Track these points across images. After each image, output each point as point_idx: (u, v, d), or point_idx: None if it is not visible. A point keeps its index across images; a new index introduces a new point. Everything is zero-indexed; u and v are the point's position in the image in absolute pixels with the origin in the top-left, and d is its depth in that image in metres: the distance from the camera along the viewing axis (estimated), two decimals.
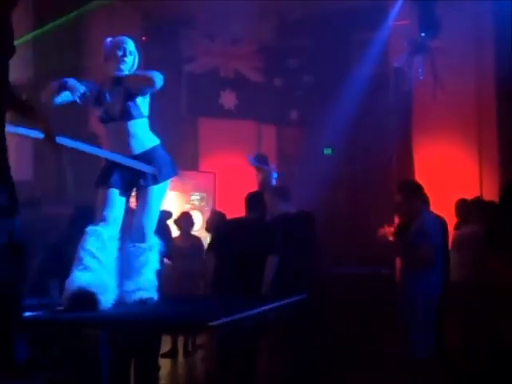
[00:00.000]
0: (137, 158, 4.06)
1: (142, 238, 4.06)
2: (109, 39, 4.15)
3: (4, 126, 2.66)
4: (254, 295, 4.72)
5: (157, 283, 4.08)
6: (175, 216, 7.68)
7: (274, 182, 8.40)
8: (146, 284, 4.01)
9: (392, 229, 6.08)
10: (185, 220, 7.52)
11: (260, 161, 8.48)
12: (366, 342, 6.51)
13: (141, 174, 4.05)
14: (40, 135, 3.36)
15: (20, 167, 7.39)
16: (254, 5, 9.48)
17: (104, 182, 4.01)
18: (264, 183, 8.04)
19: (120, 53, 4.08)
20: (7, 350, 2.46)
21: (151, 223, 4.11)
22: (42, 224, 5.82)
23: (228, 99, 10.83)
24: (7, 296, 2.48)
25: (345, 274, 7.62)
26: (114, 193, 3.98)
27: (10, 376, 2.43)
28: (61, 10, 8.20)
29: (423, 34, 9.33)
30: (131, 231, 4.06)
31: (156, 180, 4.08)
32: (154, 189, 4.09)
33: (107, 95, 4.01)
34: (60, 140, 3.31)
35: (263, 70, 11.05)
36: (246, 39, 11.06)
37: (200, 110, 10.89)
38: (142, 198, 4.09)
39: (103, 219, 3.89)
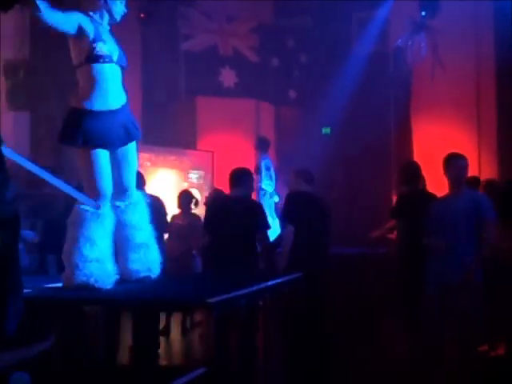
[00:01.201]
0: (124, 106, 3.87)
1: (129, 198, 3.97)
2: None
3: None
4: (245, 271, 4.76)
5: (156, 260, 4.06)
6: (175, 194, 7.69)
7: (263, 166, 8.57)
8: (145, 261, 3.99)
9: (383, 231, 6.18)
10: (185, 198, 7.50)
11: (259, 145, 8.66)
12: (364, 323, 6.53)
13: (121, 131, 3.85)
14: None
15: (17, 146, 7.38)
16: None
17: (87, 140, 3.69)
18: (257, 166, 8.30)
19: None
20: None
21: (134, 181, 4.01)
22: (41, 201, 5.81)
23: (228, 77, 10.77)
24: None
25: (342, 254, 7.63)
26: (103, 156, 3.77)
27: (1, 347, 2.44)
28: None
29: (423, 13, 9.28)
30: (117, 193, 3.90)
31: (134, 137, 3.93)
32: (133, 146, 3.96)
33: (104, 35, 3.76)
34: (6, 152, 3.05)
35: (260, 50, 10.98)
36: (244, 17, 10.98)
37: (199, 88, 10.82)
38: (122, 157, 3.90)
39: (99, 194, 3.74)
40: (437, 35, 9.41)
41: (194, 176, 10.49)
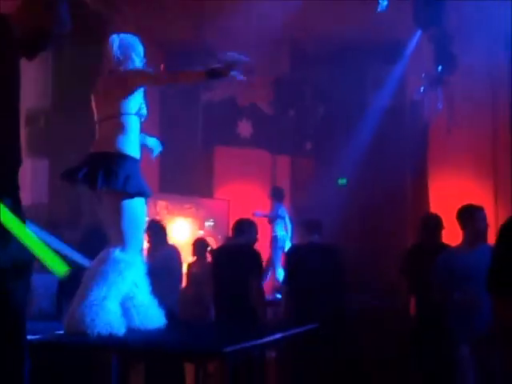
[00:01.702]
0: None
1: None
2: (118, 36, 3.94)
3: (19, 140, 2.63)
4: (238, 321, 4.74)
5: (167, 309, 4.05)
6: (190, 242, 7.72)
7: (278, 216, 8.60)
8: (157, 309, 3.98)
9: None
10: (200, 246, 7.51)
11: (274, 194, 8.75)
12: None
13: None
14: None
15: (36, 193, 7.46)
16: (270, 35, 9.58)
17: (140, 192, 3.67)
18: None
19: (135, 57, 3.92)
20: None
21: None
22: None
23: (244, 128, 10.89)
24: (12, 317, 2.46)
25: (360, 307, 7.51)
26: (141, 204, 3.75)
27: None
28: (79, 41, 8.33)
29: (440, 68, 9.37)
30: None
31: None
32: None
33: None
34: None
35: (277, 102, 11.12)
36: (261, 70, 11.15)
37: (216, 139, 10.96)
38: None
39: (136, 243, 3.71)
40: (453, 89, 9.48)
41: (209, 224, 10.52)
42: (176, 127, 10.26)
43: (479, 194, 9.46)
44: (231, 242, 5.51)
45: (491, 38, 9.34)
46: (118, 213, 3.65)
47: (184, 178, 10.43)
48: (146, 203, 3.90)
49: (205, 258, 7.51)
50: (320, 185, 10.27)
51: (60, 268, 2.73)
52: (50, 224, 6.29)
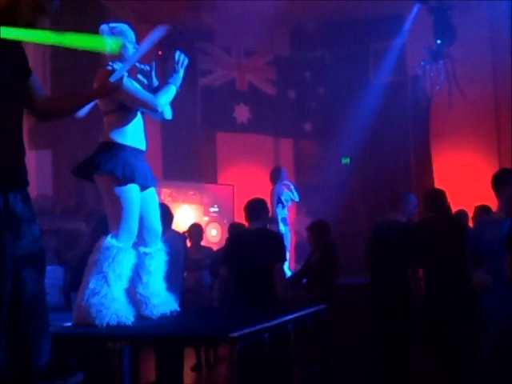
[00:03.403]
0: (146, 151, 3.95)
1: (155, 242, 4.00)
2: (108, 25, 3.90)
3: (22, 142, 2.70)
4: (263, 306, 4.69)
5: (174, 295, 4.06)
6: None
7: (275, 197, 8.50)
8: (164, 296, 3.99)
9: None
10: (195, 231, 7.48)
11: (270, 178, 8.62)
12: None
13: (148, 173, 3.91)
14: None
15: (40, 183, 7.46)
16: (269, 16, 9.51)
17: (126, 173, 3.68)
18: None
19: (128, 44, 3.89)
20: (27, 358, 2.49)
21: (161, 227, 4.06)
22: (63, 238, 5.86)
23: (241, 113, 10.86)
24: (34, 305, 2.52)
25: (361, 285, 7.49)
26: (137, 192, 3.77)
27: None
28: (77, 26, 8.29)
29: (439, 42, 9.30)
30: (146, 236, 3.94)
31: (155, 182, 4.01)
32: (154, 192, 4.04)
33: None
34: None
35: (277, 82, 11.07)
36: (261, 51, 11.09)
37: (214, 124, 10.93)
38: (150, 200, 3.96)
39: (129, 230, 3.71)
40: (454, 62, 9.42)
41: (214, 210, 10.51)
42: (176, 114, 10.22)
43: (483, 167, 9.42)
44: (250, 226, 5.37)
45: (492, 9, 9.27)
46: (109, 198, 3.71)
47: (187, 165, 10.42)
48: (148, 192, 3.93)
49: (199, 242, 7.49)
50: (324, 165, 10.25)
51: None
52: (54, 215, 6.31)
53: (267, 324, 3.42)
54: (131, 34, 3.94)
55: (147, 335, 3.49)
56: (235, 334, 2.98)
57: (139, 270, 3.87)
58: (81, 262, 4.11)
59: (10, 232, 2.50)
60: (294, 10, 9.89)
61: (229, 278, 5.23)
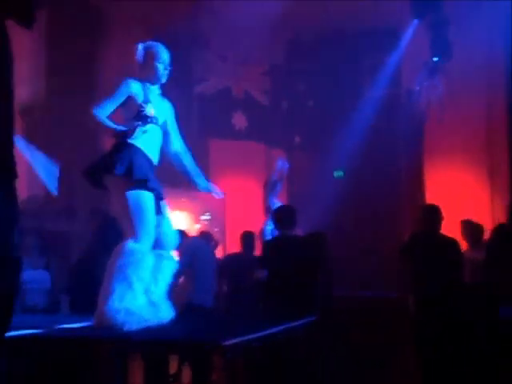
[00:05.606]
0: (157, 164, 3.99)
1: (170, 248, 4.03)
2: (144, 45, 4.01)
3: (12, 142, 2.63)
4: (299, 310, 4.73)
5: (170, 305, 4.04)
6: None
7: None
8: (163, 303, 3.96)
9: None
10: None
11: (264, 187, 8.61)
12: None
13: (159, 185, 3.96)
14: None
15: (32, 181, 7.42)
16: (266, 26, 9.54)
17: (146, 184, 3.76)
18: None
19: (159, 65, 3.98)
20: None
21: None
22: (53, 238, 5.83)
23: (239, 120, 10.86)
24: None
25: (350, 298, 7.54)
26: (151, 198, 3.82)
27: None
28: (74, 32, 8.29)
29: (436, 59, 9.35)
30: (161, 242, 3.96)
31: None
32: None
33: (152, 97, 3.98)
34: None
35: (272, 92, 11.09)
36: (257, 60, 11.12)
37: (211, 131, 10.92)
38: (164, 208, 4.03)
39: (148, 235, 3.73)
40: (449, 78, 9.47)
41: (205, 218, 10.49)
42: None
43: (475, 184, 9.48)
44: (285, 234, 5.52)
45: (488, 28, 9.33)
46: (124, 201, 3.69)
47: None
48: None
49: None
50: (316, 177, 10.25)
51: None
52: (45, 214, 6.27)
53: (258, 334, 3.40)
54: (164, 55, 3.98)
55: (134, 342, 3.46)
56: (225, 343, 2.96)
57: (155, 273, 3.87)
58: (81, 264, 4.08)
59: None
60: (291, 21, 9.92)
61: (268, 279, 5.34)
